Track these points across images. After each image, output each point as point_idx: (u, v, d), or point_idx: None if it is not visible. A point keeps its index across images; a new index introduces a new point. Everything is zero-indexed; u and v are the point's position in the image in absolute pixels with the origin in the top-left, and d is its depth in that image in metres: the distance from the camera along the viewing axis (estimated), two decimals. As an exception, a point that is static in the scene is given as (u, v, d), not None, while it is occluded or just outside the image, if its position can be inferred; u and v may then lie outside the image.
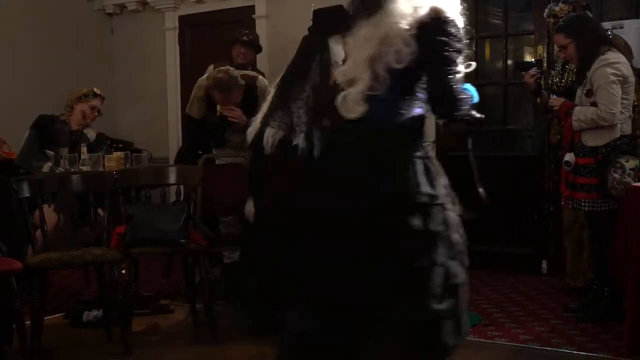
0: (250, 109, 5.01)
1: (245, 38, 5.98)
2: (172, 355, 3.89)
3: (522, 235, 5.65)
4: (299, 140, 4.08)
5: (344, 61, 2.76)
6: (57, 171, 4.75)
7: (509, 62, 5.80)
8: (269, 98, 4.24)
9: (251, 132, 4.25)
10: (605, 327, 4.04)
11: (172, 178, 4.52)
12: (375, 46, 2.42)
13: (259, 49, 6.09)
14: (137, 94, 7.55)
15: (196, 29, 7.39)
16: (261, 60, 6.72)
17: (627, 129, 4.20)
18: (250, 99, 5.18)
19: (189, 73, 6.98)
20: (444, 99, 2.41)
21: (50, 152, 5.07)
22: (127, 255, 4.07)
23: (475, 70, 6.19)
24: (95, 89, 5.37)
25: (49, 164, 4.98)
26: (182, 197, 4.83)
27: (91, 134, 5.41)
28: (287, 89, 4.17)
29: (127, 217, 4.18)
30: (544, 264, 5.62)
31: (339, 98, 2.62)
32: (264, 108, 4.25)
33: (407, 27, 2.34)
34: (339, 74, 2.67)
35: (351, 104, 2.52)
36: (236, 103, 5.15)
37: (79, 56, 7.29)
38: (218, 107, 5.20)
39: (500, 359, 3.66)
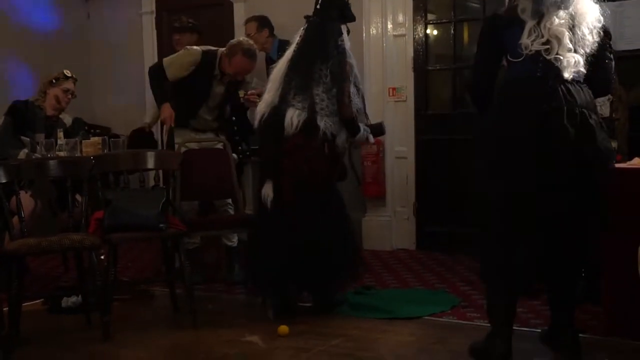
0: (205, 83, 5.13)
1: (177, 24, 5.99)
2: (151, 341, 3.89)
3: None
4: (322, 123, 4.08)
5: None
6: (34, 157, 4.70)
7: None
8: (276, 78, 4.18)
9: (262, 111, 4.20)
10: (582, 308, 4.07)
11: (151, 163, 4.49)
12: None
13: (198, 33, 6.12)
14: (115, 78, 7.49)
15: (174, 13, 7.32)
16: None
17: (606, 111, 4.22)
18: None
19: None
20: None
21: (26, 139, 5.03)
22: (106, 240, 4.05)
23: (453, 53, 6.28)
24: (65, 71, 5.30)
25: (25, 150, 4.93)
26: (160, 182, 4.81)
27: (67, 119, 5.37)
28: (306, 72, 4.13)
29: (105, 203, 4.16)
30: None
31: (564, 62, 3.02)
32: (272, 87, 4.21)
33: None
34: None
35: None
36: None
37: (55, 41, 7.21)
38: (241, 93, 5.26)
39: (479, 340, 3.67)
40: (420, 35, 6.12)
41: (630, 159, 3.79)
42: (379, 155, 6.15)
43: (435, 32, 6.20)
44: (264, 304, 4.33)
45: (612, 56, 3.19)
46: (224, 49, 5.21)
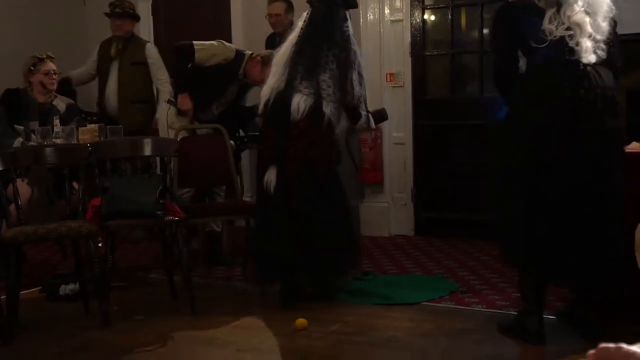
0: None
1: (118, 10, 6.03)
2: (150, 328, 3.89)
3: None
4: (327, 109, 4.07)
5: None
6: (31, 144, 4.68)
7: (485, 30, 5.78)
8: (281, 62, 4.16)
9: (266, 96, 4.18)
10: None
11: (148, 150, 4.48)
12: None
13: (135, 18, 6.18)
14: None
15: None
16: (236, 30, 6.66)
17: None
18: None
19: (163, 43, 6.89)
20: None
21: (20, 127, 5.00)
22: (104, 228, 4.05)
23: (451, 39, 6.24)
24: (37, 54, 5.25)
25: (20, 139, 4.91)
26: (158, 169, 4.80)
27: (61, 105, 5.34)
28: (312, 58, 4.11)
29: (102, 190, 4.15)
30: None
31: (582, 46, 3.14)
32: (277, 72, 4.18)
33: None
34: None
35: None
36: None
37: (50, 28, 7.17)
38: None
39: (477, 325, 3.68)
40: (418, 20, 6.10)
41: (628, 143, 3.79)
42: (377, 142, 6.14)
43: (432, 17, 6.17)
44: (263, 292, 4.33)
45: (619, 43, 3.38)
46: (251, 52, 5.30)
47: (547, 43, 3.16)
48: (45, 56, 5.22)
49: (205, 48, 5.20)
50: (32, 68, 5.20)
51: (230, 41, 6.02)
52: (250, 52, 5.32)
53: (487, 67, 5.87)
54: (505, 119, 3.41)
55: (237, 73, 5.25)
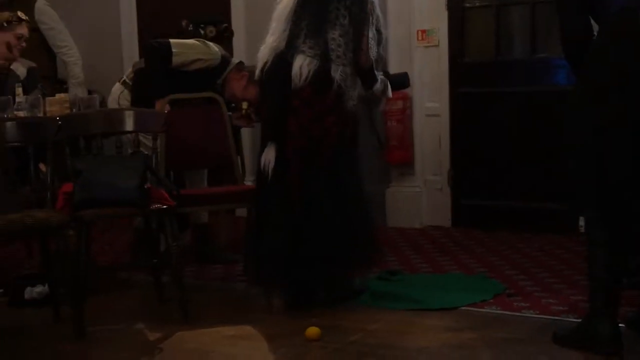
0: None
1: None
2: (133, 338, 3.91)
3: (554, 187, 5.65)
4: (337, 74, 4.05)
5: None
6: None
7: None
8: (282, 17, 4.14)
9: (264, 58, 4.16)
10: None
11: (129, 124, 4.47)
12: None
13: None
14: (86, 25, 7.45)
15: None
16: (237, 12, 6.70)
17: None
18: None
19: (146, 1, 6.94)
20: None
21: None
22: (77, 218, 4.05)
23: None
24: (19, 13, 5.27)
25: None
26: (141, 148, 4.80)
27: (20, 69, 5.34)
28: (319, 11, 4.09)
29: (75, 173, 4.15)
30: (582, 222, 5.62)
31: None
32: (277, 29, 4.15)
33: None
34: None
35: None
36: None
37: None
38: (245, 105, 5.32)
39: (528, 335, 3.67)
40: (456, -35, 6.07)
41: None
42: (405, 113, 6.11)
43: (473, -38, 6.13)
44: (267, 294, 4.34)
45: None
46: (239, 61, 5.36)
47: None
48: (25, 18, 5.28)
49: (185, 52, 5.16)
50: (5, 24, 5.23)
51: (229, 15, 6.03)
52: (238, 61, 5.36)
53: (539, 21, 5.83)
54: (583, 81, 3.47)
55: (215, 81, 5.25)
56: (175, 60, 5.10)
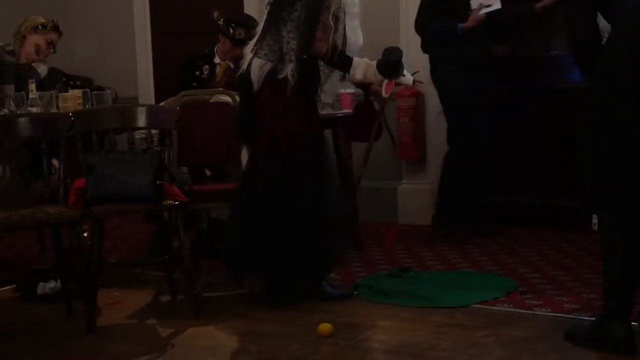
0: None
1: None
2: (144, 334, 3.91)
3: (567, 184, 5.62)
4: (288, 72, 4.05)
5: None
6: (1, 114, 4.70)
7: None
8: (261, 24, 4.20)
9: (242, 66, 4.23)
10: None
11: (142, 120, 4.48)
12: None
13: None
14: (99, 21, 7.47)
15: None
16: (249, 10, 6.71)
17: None
18: None
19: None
20: None
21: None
22: (89, 214, 4.06)
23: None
24: (55, 21, 5.38)
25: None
26: (154, 144, 4.80)
27: (42, 68, 5.40)
28: (277, 10, 4.12)
29: (87, 169, 4.15)
30: (595, 220, 5.60)
31: None
32: (257, 36, 4.20)
33: None
34: None
35: None
36: None
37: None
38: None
39: (540, 333, 3.66)
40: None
41: None
42: (417, 110, 6.10)
43: None
44: (282, 291, 4.35)
45: None
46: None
47: None
48: (58, 27, 5.41)
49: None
50: (39, 27, 5.36)
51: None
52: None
53: (556, 16, 5.80)
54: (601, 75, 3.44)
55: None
56: None
